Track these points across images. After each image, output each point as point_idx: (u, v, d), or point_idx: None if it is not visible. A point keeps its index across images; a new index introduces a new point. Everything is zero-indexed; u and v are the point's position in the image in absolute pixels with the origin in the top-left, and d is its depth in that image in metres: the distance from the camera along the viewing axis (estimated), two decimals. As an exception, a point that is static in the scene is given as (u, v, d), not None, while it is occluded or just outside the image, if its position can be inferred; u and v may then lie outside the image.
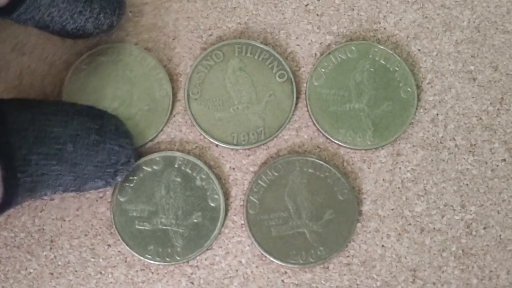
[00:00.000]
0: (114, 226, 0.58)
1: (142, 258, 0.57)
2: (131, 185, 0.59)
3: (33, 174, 0.48)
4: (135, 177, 0.59)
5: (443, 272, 0.57)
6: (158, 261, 0.57)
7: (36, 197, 0.51)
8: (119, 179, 0.57)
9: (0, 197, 0.47)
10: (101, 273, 0.58)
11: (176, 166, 0.59)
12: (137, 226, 0.58)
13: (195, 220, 0.58)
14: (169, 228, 0.58)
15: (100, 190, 0.59)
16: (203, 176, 0.59)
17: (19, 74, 0.62)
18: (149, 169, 0.59)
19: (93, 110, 0.57)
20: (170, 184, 0.59)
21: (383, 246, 0.58)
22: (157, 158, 0.59)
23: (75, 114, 0.55)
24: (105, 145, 0.55)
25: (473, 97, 0.61)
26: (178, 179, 0.59)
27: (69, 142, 0.51)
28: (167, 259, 0.57)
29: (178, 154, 0.59)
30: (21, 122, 0.48)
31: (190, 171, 0.59)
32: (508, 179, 0.59)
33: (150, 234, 0.58)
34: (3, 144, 0.46)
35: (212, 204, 0.58)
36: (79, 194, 0.59)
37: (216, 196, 0.58)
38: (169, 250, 0.57)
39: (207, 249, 0.58)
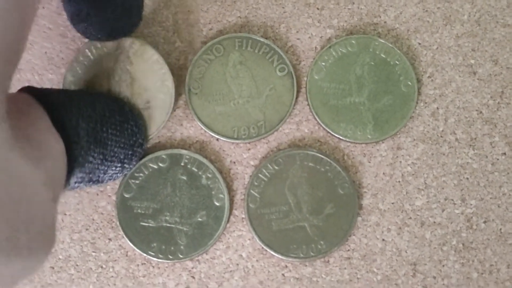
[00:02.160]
0: (118, 222, 0.58)
1: (145, 254, 0.57)
2: (137, 182, 0.59)
3: (83, 148, 0.49)
4: (141, 174, 0.59)
5: (443, 266, 0.57)
6: (161, 259, 0.57)
7: (71, 184, 0.51)
8: (134, 163, 0.57)
9: (66, 167, 0.47)
10: (102, 267, 0.58)
11: (182, 164, 0.59)
12: (141, 223, 0.58)
13: (200, 219, 0.58)
14: (173, 226, 0.58)
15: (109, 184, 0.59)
16: (209, 175, 0.59)
17: (18, 69, 0.62)
18: (155, 167, 0.59)
19: (109, 94, 0.58)
20: (176, 182, 0.58)
21: (383, 240, 0.58)
22: (163, 156, 0.59)
23: (98, 96, 0.56)
24: (128, 125, 0.56)
25: (473, 91, 0.61)
26: (184, 177, 0.59)
27: (99, 123, 0.52)
28: (170, 256, 0.57)
29: (184, 152, 0.59)
30: (62, 99, 0.50)
31: (196, 170, 0.59)
32: (508, 173, 0.59)
33: (154, 231, 0.58)
34: (56, 117, 0.47)
35: (217, 203, 0.58)
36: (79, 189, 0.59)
37: (221, 195, 0.58)
38: (172, 248, 0.57)
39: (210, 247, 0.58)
